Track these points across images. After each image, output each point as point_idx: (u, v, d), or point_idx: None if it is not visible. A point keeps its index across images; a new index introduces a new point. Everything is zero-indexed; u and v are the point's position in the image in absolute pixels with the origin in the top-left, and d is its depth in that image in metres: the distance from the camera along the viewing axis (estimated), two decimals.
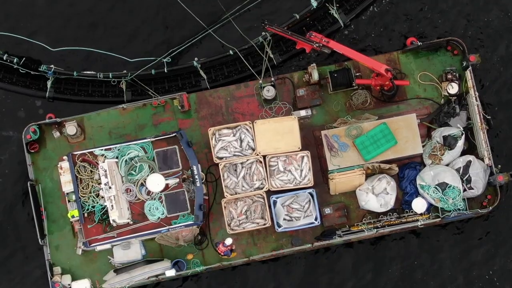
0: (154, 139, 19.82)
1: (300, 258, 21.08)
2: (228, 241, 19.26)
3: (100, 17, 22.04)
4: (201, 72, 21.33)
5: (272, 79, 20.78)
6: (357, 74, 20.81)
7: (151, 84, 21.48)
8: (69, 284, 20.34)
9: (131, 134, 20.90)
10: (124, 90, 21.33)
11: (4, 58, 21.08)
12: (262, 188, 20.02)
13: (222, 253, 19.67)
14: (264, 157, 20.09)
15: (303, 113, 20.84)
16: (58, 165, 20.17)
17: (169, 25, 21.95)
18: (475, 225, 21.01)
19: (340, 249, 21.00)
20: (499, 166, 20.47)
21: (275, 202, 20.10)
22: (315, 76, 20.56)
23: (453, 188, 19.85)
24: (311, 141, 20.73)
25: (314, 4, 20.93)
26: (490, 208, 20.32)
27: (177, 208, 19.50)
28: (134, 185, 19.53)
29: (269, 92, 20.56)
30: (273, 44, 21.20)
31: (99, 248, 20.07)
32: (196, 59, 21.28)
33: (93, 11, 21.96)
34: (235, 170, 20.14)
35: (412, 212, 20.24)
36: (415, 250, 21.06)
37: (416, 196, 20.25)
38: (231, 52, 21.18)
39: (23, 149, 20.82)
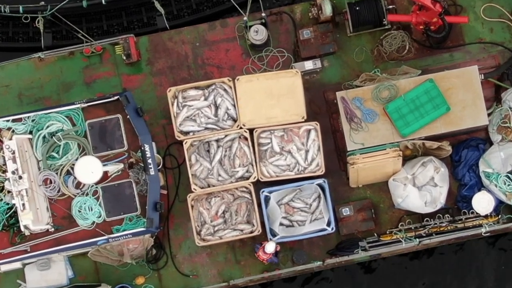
0: (86, 104, 17.50)
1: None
2: (271, 247, 17.42)
3: None
4: (157, 5, 19.02)
5: (263, 14, 18.28)
6: (390, 6, 18.19)
7: (81, 22, 19.49)
8: None
9: (52, 98, 18.58)
10: (42, 31, 19.27)
11: None
12: (248, 178, 17.62)
13: (265, 261, 17.92)
14: (251, 131, 17.61)
15: (309, 65, 18.33)
16: None
17: None
18: None
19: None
20: None
21: (267, 199, 17.64)
22: (327, 10, 18.06)
23: None
24: (322, 107, 18.19)
25: None
26: None
27: (121, 208, 17.34)
28: (57, 173, 17.39)
29: (258, 33, 18.18)
30: None
31: (3, 268, 17.83)
32: None
33: None
34: (208, 151, 17.66)
35: (472, 213, 17.75)
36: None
37: (479, 190, 17.77)
38: None
39: None
